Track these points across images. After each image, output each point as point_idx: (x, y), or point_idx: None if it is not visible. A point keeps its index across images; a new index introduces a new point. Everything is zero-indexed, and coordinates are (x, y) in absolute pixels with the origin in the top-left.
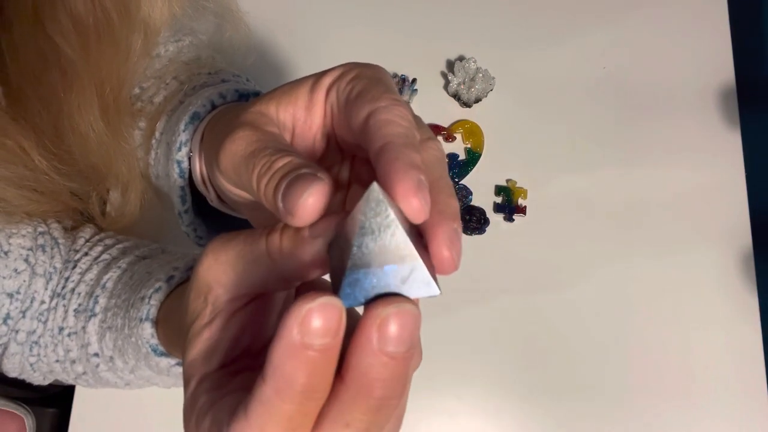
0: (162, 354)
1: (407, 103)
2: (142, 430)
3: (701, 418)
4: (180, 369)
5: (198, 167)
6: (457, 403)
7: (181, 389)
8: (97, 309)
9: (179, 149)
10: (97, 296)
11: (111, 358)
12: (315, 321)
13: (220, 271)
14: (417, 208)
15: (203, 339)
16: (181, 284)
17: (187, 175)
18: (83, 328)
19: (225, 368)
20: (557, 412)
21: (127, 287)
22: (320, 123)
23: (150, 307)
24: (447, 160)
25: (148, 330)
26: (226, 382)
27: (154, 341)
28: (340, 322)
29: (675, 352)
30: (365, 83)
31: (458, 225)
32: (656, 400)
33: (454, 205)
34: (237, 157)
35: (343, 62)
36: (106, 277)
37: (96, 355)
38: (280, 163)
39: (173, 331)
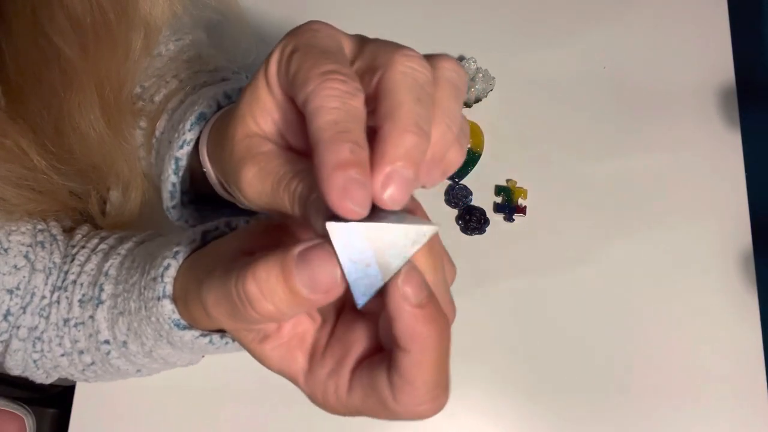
0: (185, 327)
1: (343, 65)
2: (142, 430)
3: (701, 417)
4: (204, 340)
5: (214, 176)
6: (457, 403)
7: (182, 387)
8: (104, 296)
9: (181, 147)
10: (102, 284)
11: (124, 342)
12: (412, 283)
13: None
14: (348, 212)
15: None
16: (187, 258)
17: (181, 173)
18: (91, 317)
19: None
20: (557, 411)
21: (131, 271)
22: (297, 111)
23: (165, 285)
24: (443, 80)
25: (168, 307)
26: None
27: (176, 316)
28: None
29: (675, 352)
30: (298, 60)
31: (403, 165)
32: (656, 400)
33: (407, 143)
34: (264, 196)
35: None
36: (108, 264)
37: (107, 342)
38: (298, 191)
39: (190, 303)
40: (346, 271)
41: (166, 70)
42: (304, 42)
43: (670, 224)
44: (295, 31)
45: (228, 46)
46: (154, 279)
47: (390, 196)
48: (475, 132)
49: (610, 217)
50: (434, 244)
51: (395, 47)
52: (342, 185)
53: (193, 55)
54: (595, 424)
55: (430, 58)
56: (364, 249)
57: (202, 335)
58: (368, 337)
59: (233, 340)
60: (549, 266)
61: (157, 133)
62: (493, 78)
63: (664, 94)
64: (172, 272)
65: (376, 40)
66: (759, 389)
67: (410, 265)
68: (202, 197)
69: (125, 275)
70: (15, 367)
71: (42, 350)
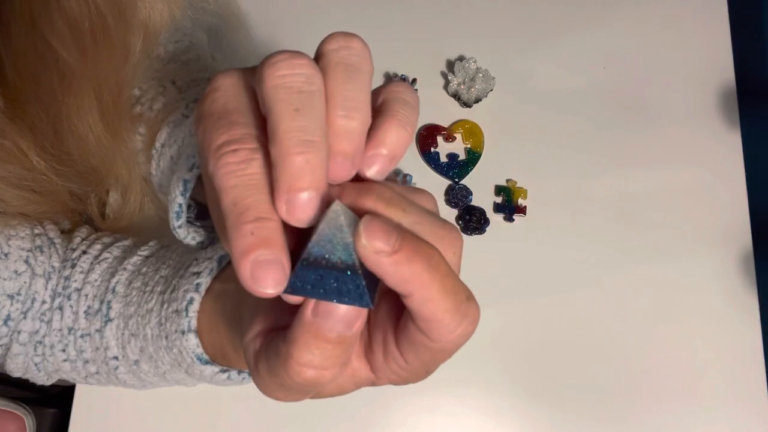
0: (207, 362)
1: (238, 125)
2: (141, 430)
3: (701, 418)
4: (223, 375)
5: None
6: (457, 403)
7: (181, 390)
8: (112, 314)
9: (190, 169)
10: (110, 301)
11: (136, 362)
12: (376, 234)
13: None
14: (265, 295)
15: None
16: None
17: (188, 194)
18: (98, 331)
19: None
20: (557, 412)
21: (145, 295)
22: None
23: (190, 319)
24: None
25: (192, 341)
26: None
27: (199, 350)
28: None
29: (675, 353)
30: (200, 136)
31: (300, 187)
32: (656, 400)
33: (294, 168)
34: None
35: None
36: (114, 280)
37: (116, 358)
38: None
39: (215, 338)
40: (337, 302)
41: (164, 73)
42: (204, 111)
43: (670, 224)
44: (200, 98)
45: (227, 49)
46: (177, 312)
47: (297, 220)
48: (475, 132)
49: (610, 217)
50: (386, 195)
51: (263, 62)
52: (249, 274)
53: (192, 56)
54: (596, 424)
55: (318, 47)
56: (323, 276)
57: (222, 371)
58: (389, 308)
59: (249, 375)
60: (549, 265)
61: (158, 144)
62: (493, 78)
63: (664, 94)
64: (195, 306)
65: (259, 65)
66: (759, 389)
67: (365, 219)
68: (202, 206)
69: (137, 297)
70: (16, 369)
71: (43, 354)
